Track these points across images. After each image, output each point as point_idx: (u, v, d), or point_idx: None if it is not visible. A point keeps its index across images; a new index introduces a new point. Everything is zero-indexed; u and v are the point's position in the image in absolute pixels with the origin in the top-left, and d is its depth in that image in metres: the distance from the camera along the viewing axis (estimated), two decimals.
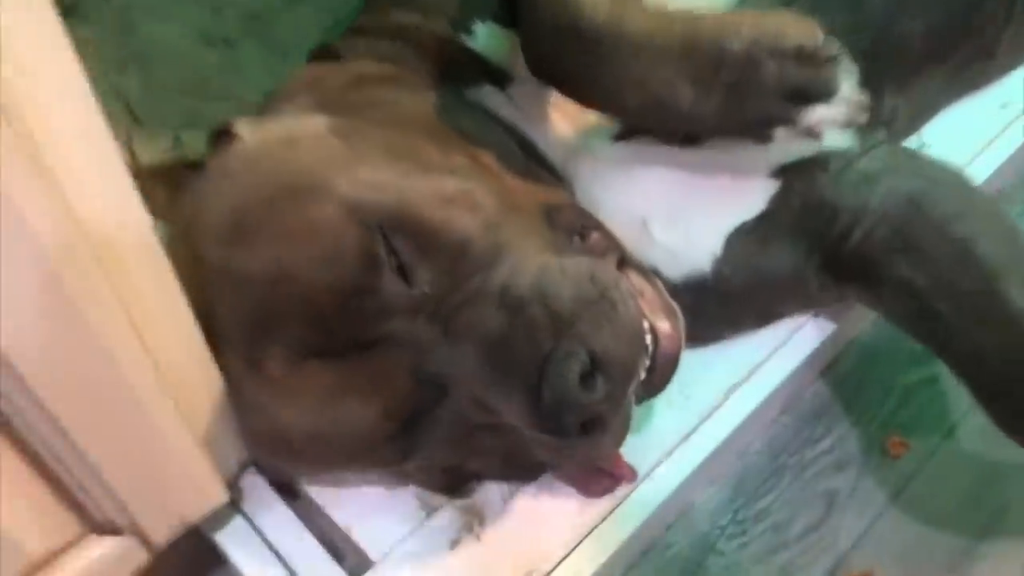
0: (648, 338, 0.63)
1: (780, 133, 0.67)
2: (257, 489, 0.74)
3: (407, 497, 0.74)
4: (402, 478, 0.74)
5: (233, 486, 0.73)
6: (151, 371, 0.56)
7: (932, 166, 0.78)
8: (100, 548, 0.62)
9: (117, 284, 0.51)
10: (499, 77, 0.76)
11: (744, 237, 0.75)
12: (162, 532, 0.64)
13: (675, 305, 0.66)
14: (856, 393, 0.92)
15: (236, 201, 0.63)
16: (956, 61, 0.90)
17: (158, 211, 0.67)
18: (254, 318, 0.61)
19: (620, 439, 0.64)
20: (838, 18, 0.77)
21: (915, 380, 0.93)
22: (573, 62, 0.66)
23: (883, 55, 0.83)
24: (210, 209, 0.64)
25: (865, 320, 0.94)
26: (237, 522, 0.73)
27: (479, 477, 0.74)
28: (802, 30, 0.64)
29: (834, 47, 0.64)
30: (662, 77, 0.64)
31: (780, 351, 0.82)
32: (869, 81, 0.81)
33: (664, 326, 0.64)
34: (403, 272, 0.61)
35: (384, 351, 0.61)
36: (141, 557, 0.64)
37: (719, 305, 0.77)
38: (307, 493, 0.74)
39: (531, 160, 0.74)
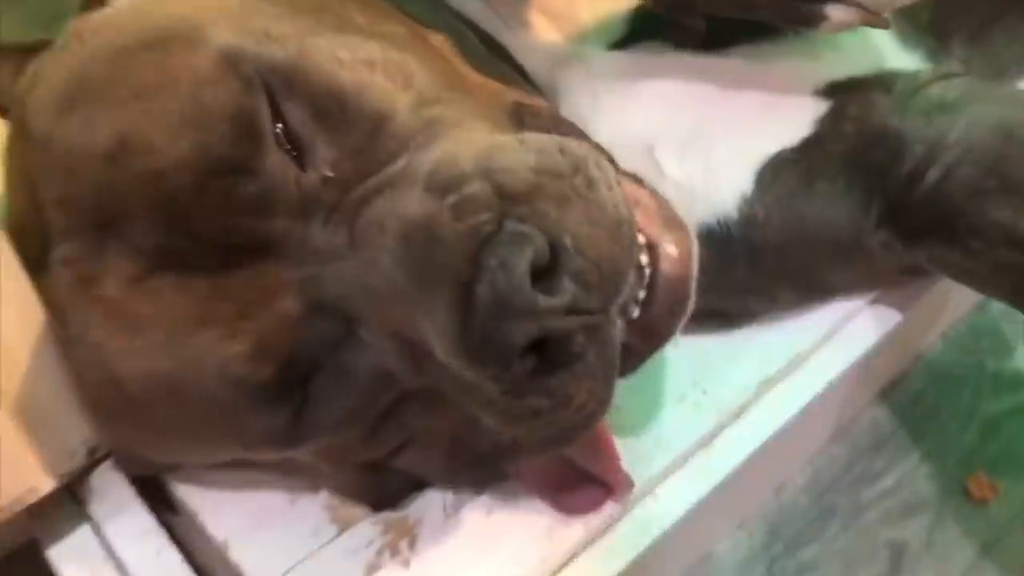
0: (643, 257, 0.44)
1: (834, 12, 0.50)
2: (115, 489, 0.54)
3: (313, 507, 0.54)
4: (305, 478, 0.54)
5: (77, 479, 0.53)
6: None
7: (1021, 93, 0.60)
8: None
9: None
10: None
11: (782, 172, 0.56)
12: None
13: (683, 219, 0.47)
14: (927, 421, 0.72)
15: (79, 61, 0.45)
16: None
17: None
18: (87, 212, 0.43)
19: (602, 402, 0.43)
20: None
21: (1002, 408, 0.73)
22: None
23: None
24: (47, 77, 0.46)
25: (935, 326, 0.75)
26: (80, 532, 0.53)
27: (414, 482, 0.54)
28: None
29: None
30: None
31: (828, 343, 0.62)
32: (932, 24, 0.65)
33: (667, 242, 0.45)
34: (294, 148, 0.43)
35: (259, 263, 0.42)
36: None
37: (749, 265, 0.58)
38: (181, 497, 0.54)
39: (507, 65, 0.57)
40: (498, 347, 0.37)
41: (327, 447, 0.49)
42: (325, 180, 0.43)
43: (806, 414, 0.60)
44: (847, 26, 0.50)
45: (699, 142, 0.56)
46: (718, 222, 0.56)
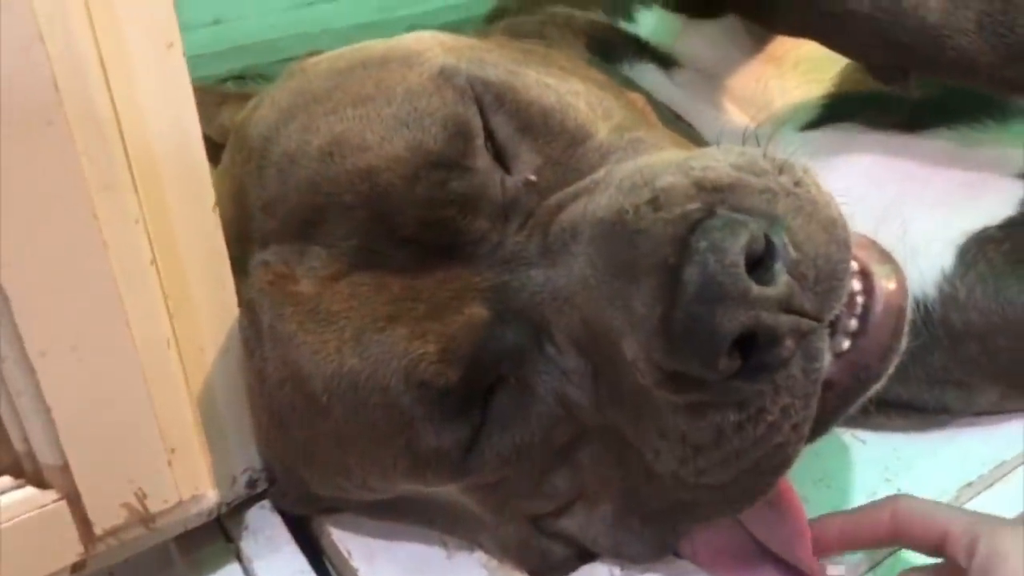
0: (856, 284, 0.42)
1: None
2: (269, 528, 0.52)
3: (470, 563, 0.51)
4: (465, 531, 0.51)
5: (232, 513, 0.52)
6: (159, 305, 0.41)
7: None
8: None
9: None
10: (662, 59, 0.62)
11: (985, 251, 0.53)
12: (108, 514, 0.43)
13: (895, 257, 0.44)
14: None
15: (300, 83, 0.48)
16: None
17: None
18: (293, 213, 0.44)
19: (796, 431, 0.39)
20: None
21: None
22: None
23: None
24: (270, 98, 0.49)
25: None
26: (228, 569, 0.51)
27: (580, 555, 0.50)
28: None
29: None
30: None
31: None
32: None
33: (882, 273, 0.42)
34: (501, 155, 0.44)
35: (453, 266, 0.42)
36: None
37: (948, 351, 0.54)
38: (335, 542, 0.52)
39: (695, 142, 0.58)
40: (705, 336, 0.35)
41: (495, 490, 0.46)
42: (527, 184, 0.43)
43: None
44: None
45: (897, 215, 0.54)
46: (916, 301, 0.53)
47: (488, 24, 0.69)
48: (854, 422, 0.56)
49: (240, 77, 1.00)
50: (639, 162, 0.42)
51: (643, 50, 0.62)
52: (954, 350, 0.54)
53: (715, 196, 0.37)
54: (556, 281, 0.40)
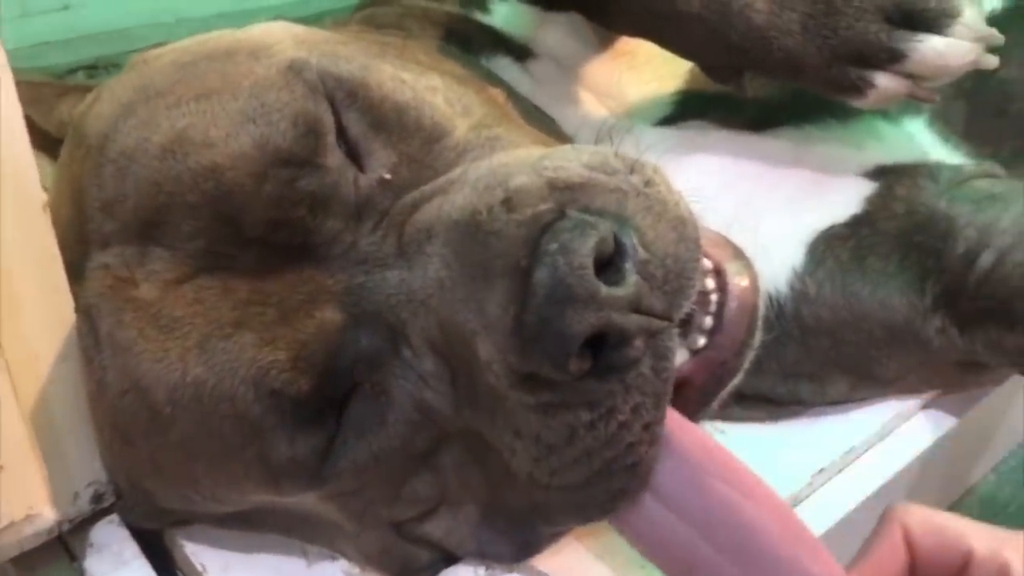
0: (710, 282, 0.42)
1: (882, 80, 0.50)
2: (116, 544, 0.50)
3: (331, 571, 0.49)
4: (325, 540, 0.49)
5: (75, 531, 0.49)
6: None
7: None
8: None
9: None
10: (519, 51, 0.61)
11: (833, 247, 0.55)
12: None
13: (747, 254, 0.45)
14: None
15: (142, 76, 0.46)
16: None
17: None
18: (133, 214, 0.42)
19: (648, 431, 0.38)
20: None
21: None
22: None
23: (984, 105, 0.68)
24: (110, 91, 0.47)
25: (987, 453, 0.71)
26: None
27: (444, 557, 0.50)
28: None
29: None
30: None
31: (883, 442, 0.59)
32: (971, 139, 0.66)
33: (735, 270, 0.43)
34: (354, 152, 0.42)
35: (304, 268, 0.41)
36: None
37: (801, 345, 0.56)
38: (188, 556, 0.50)
39: (554, 133, 0.57)
40: (555, 337, 0.35)
41: (354, 497, 0.45)
42: (381, 183, 0.42)
43: (861, 511, 0.56)
44: (894, 96, 0.51)
45: (747, 216, 0.55)
46: (769, 297, 0.55)
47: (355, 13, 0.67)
48: (714, 414, 0.57)
49: (91, 67, 0.95)
50: (494, 161, 0.41)
51: (499, 42, 0.61)
52: (806, 344, 0.55)
53: (567, 196, 0.37)
54: (411, 283, 0.39)
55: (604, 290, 0.35)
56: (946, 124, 0.63)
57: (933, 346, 0.56)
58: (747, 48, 0.50)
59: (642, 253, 0.36)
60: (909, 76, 0.50)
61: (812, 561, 0.39)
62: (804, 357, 0.56)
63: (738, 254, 0.44)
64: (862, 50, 0.49)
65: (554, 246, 0.35)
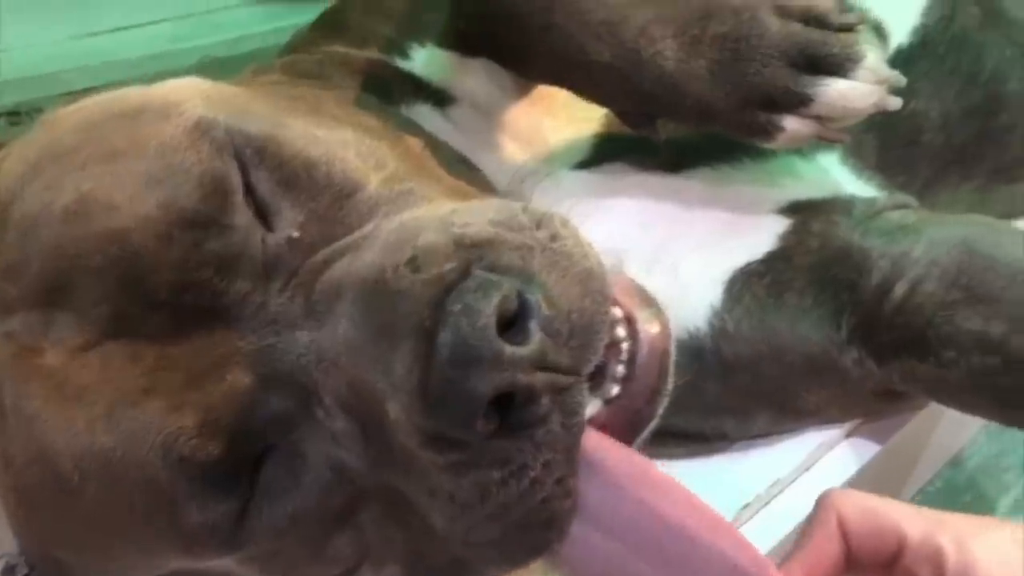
0: (621, 331, 0.43)
1: (790, 124, 0.51)
2: None
3: None
4: None
5: None
6: None
7: (976, 216, 0.62)
8: None
9: None
10: (439, 98, 0.62)
11: (750, 284, 0.56)
12: None
13: (658, 300, 0.46)
14: None
15: (49, 137, 0.45)
16: (982, 175, 0.78)
17: None
18: (37, 279, 0.41)
19: (562, 486, 0.38)
20: None
21: None
22: (521, 5, 0.52)
23: (896, 137, 0.70)
24: (15, 154, 0.46)
25: (912, 478, 0.72)
26: None
27: None
28: None
29: (853, 15, 0.51)
30: (636, 20, 0.51)
31: (807, 473, 0.60)
32: (884, 170, 0.68)
33: (645, 317, 0.44)
34: (262, 212, 0.42)
35: (212, 331, 0.40)
36: None
37: (722, 381, 0.56)
38: None
39: (475, 180, 0.58)
40: (460, 399, 0.35)
41: (274, 559, 0.44)
42: (290, 242, 0.42)
43: (789, 543, 0.57)
44: (803, 138, 0.52)
45: (666, 257, 0.56)
46: (689, 336, 0.56)
47: (281, 56, 0.67)
48: (646, 449, 0.57)
49: (14, 113, 0.94)
50: (405, 217, 0.41)
51: (419, 89, 0.61)
52: (727, 381, 0.56)
53: (472, 254, 0.37)
54: (321, 343, 0.39)
55: (508, 350, 0.35)
56: (860, 158, 0.65)
57: (851, 377, 0.57)
58: (658, 95, 0.51)
59: (547, 310, 0.37)
60: (817, 118, 0.51)
61: (736, 551, 0.39)
62: (726, 393, 0.57)
63: (648, 301, 0.45)
64: (770, 95, 0.50)
65: (458, 307, 0.35)
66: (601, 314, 0.39)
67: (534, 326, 0.36)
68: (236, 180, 0.41)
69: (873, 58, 0.51)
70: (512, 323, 0.36)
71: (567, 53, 0.52)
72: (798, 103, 0.51)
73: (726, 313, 0.56)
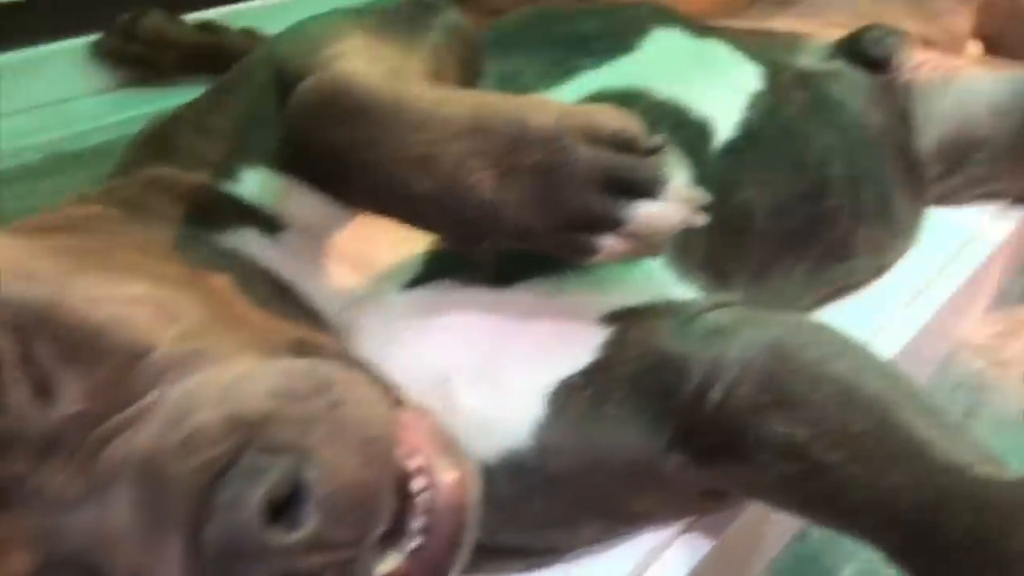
0: (420, 482, 0.43)
1: (607, 241, 0.53)
2: None
3: None
4: None
5: None
6: None
7: (790, 316, 0.65)
8: None
9: None
10: (267, 224, 0.62)
11: (572, 397, 0.57)
12: None
13: (461, 446, 0.46)
14: None
15: None
16: (814, 256, 0.82)
17: None
18: None
19: None
20: None
21: None
22: (343, 136, 0.53)
23: (729, 233, 0.73)
24: None
25: (757, 555, 0.74)
26: None
27: None
28: (619, 117, 0.53)
29: (658, 139, 0.54)
30: (453, 154, 0.52)
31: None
32: (714, 261, 0.71)
33: (444, 467, 0.44)
34: (43, 385, 0.41)
35: None
36: None
37: (547, 495, 0.57)
38: None
39: (297, 309, 0.58)
40: None
41: None
42: (71, 418, 0.41)
43: None
44: (621, 255, 0.54)
45: (490, 372, 0.57)
46: (513, 451, 0.56)
47: (119, 169, 0.66)
48: (475, 567, 0.58)
49: None
50: (188, 386, 0.41)
51: (247, 214, 0.61)
52: (554, 494, 0.57)
53: (246, 434, 0.37)
54: (102, 524, 0.39)
55: (275, 541, 0.35)
56: (686, 256, 0.67)
57: (675, 482, 0.59)
58: (479, 222, 0.53)
59: (323, 487, 0.37)
60: (631, 235, 0.53)
61: None
62: (553, 507, 0.58)
63: (450, 448, 0.45)
64: (584, 218, 0.52)
65: (225, 497, 0.36)
66: (384, 480, 0.39)
67: (309, 508, 0.36)
68: (12, 353, 0.41)
69: (679, 179, 0.53)
70: (288, 504, 0.36)
71: (390, 186, 0.53)
72: (612, 225, 0.52)
73: (549, 428, 0.57)
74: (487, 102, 0.53)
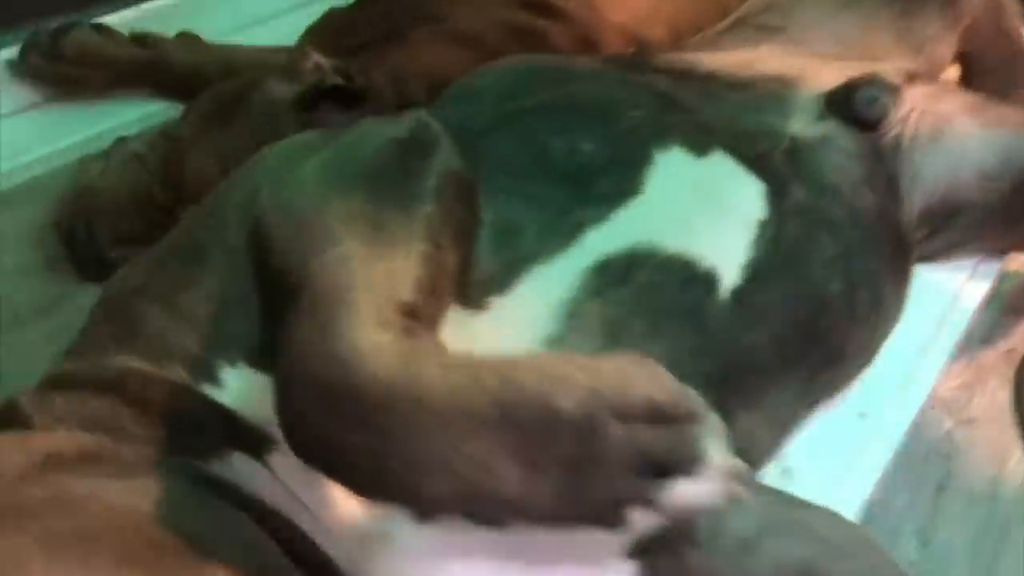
0: None
1: (637, 516, 0.50)
2: None
3: None
4: None
5: None
6: None
7: (813, 517, 0.62)
8: None
9: None
10: (255, 441, 0.56)
11: None
12: None
13: None
14: None
15: None
16: (807, 368, 0.80)
17: None
18: None
19: None
20: (680, 342, 0.67)
21: None
22: (348, 438, 0.47)
23: (732, 375, 0.70)
24: None
25: None
26: None
27: None
28: (651, 379, 0.49)
29: (693, 400, 0.50)
30: (475, 455, 0.47)
31: None
32: (719, 407, 0.68)
33: None
34: None
35: None
36: None
37: None
38: None
39: (297, 567, 0.53)
40: None
41: None
42: None
43: None
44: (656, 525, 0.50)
45: None
46: None
47: (41, 393, 0.58)
48: None
49: None
50: None
51: (234, 428, 0.55)
52: None
53: None
54: None
55: None
56: None
57: None
58: (501, 516, 0.48)
59: None
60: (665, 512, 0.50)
61: None
62: None
63: None
64: (618, 504, 0.49)
65: None
66: None
67: None
68: None
69: (715, 451, 0.50)
70: None
71: (404, 489, 0.47)
72: (643, 504, 0.49)
73: None
74: (510, 385, 0.47)
